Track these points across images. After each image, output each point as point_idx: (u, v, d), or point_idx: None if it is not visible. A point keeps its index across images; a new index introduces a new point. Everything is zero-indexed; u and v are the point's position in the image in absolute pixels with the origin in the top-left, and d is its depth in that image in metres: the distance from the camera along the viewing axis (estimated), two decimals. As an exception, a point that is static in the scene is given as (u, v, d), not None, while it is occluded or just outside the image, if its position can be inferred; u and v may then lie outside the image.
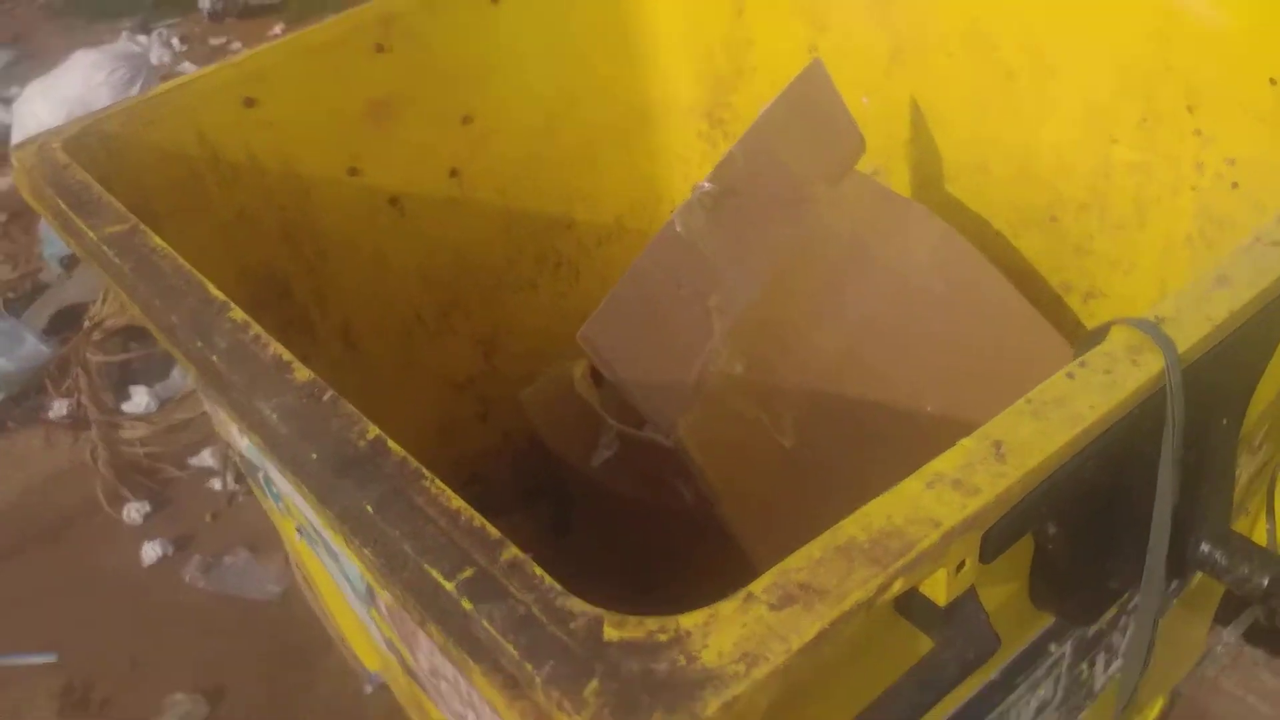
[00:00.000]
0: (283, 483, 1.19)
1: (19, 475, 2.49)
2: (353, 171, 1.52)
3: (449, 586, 0.61)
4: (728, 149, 1.18)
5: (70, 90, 3.73)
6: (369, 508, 0.67)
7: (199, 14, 5.54)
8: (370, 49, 1.52)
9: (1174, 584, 1.10)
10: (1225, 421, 0.82)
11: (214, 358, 0.85)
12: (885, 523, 0.61)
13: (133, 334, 2.61)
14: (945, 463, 0.64)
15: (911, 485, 0.63)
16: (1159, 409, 0.71)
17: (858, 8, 1.52)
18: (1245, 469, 1.04)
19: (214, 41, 5.19)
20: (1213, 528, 0.84)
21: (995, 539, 0.65)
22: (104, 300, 2.60)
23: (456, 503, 0.66)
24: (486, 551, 0.62)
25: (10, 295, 2.99)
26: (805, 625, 0.55)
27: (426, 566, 0.62)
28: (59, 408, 2.60)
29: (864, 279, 1.24)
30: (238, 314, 0.89)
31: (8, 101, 4.38)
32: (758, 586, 0.57)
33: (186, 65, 4.78)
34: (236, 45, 5.10)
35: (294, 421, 0.76)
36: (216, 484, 2.52)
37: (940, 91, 1.46)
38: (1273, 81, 1.07)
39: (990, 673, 0.87)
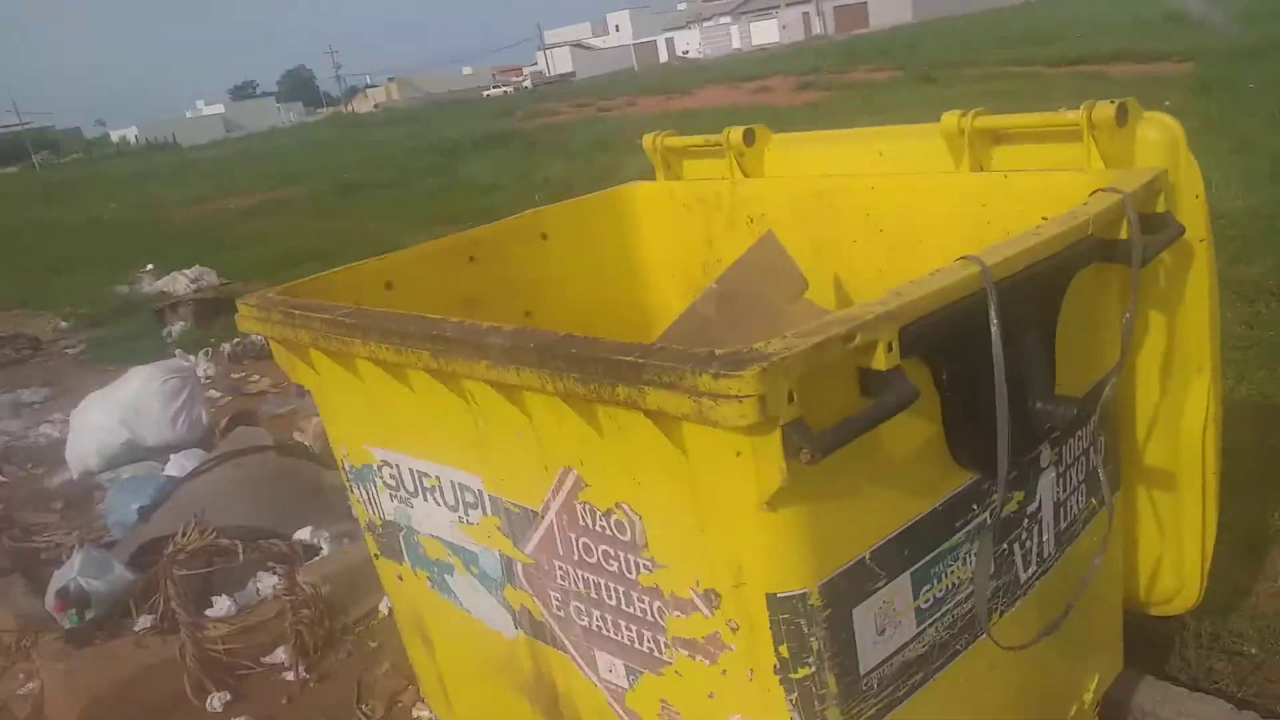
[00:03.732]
0: (431, 517, 1.69)
1: (114, 670, 2.79)
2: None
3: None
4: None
5: (125, 397, 4.29)
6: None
7: (220, 354, 6.34)
8: (465, 260, 2.21)
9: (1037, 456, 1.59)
10: (1036, 333, 1.43)
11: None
12: (845, 313, 1.19)
13: (215, 552, 3.03)
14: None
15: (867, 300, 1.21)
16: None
17: (793, 228, 2.25)
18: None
19: (234, 375, 5.93)
20: (1040, 391, 1.41)
21: (907, 336, 1.21)
22: (185, 532, 3.04)
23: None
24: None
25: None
26: (809, 341, 1.11)
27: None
28: (143, 622, 2.95)
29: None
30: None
31: (47, 424, 4.99)
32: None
33: (212, 392, 5.44)
34: (256, 378, 5.85)
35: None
36: (289, 675, 2.86)
37: (849, 266, 2.18)
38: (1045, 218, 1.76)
39: (934, 502, 1.37)
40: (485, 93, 70.84)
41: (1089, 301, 1.63)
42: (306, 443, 4.08)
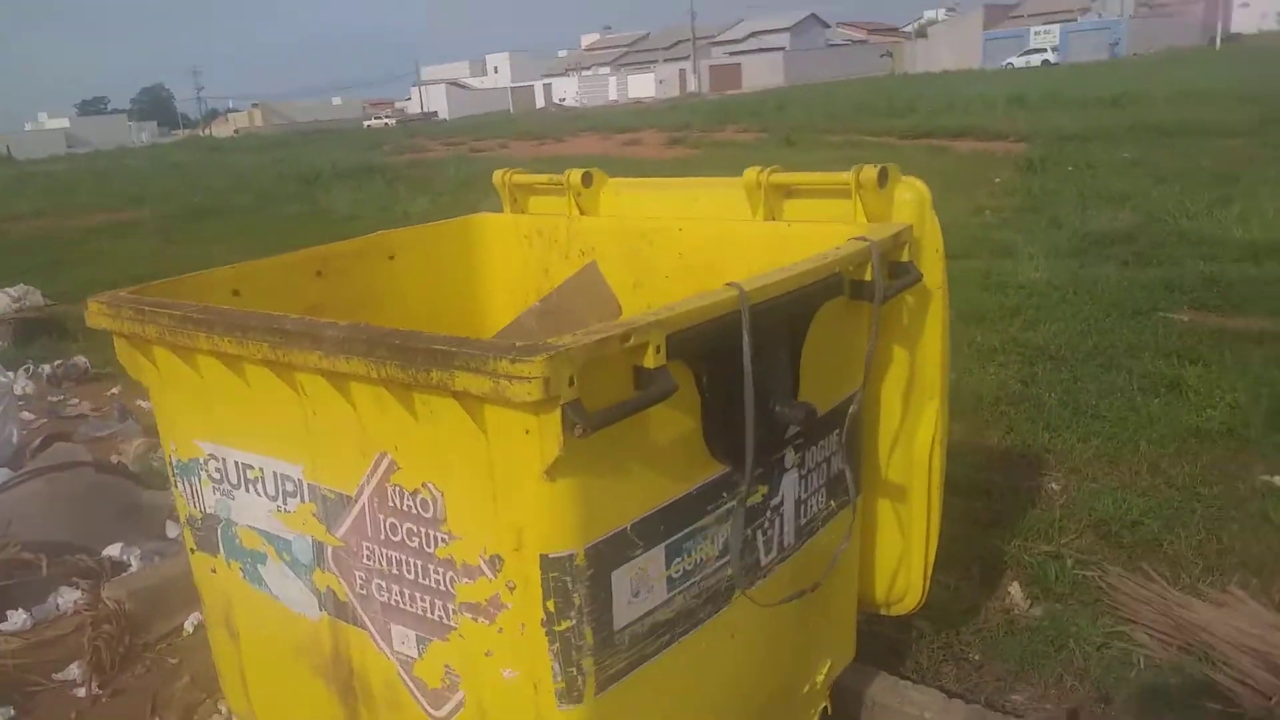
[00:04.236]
0: (250, 508, 1.87)
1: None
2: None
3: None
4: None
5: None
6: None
7: (39, 375, 6.19)
8: (313, 274, 2.40)
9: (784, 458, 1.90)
10: (784, 351, 1.74)
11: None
12: (626, 319, 1.46)
13: (16, 565, 3.05)
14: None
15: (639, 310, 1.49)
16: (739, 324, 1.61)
17: (618, 262, 2.54)
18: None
19: (53, 398, 5.82)
20: (781, 398, 1.72)
21: (673, 342, 1.49)
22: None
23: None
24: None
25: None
26: (592, 338, 1.38)
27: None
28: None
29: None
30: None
31: None
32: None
33: (26, 414, 5.34)
34: (75, 401, 5.76)
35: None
36: (81, 691, 2.90)
37: (662, 298, 2.47)
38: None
39: (690, 487, 1.65)
40: (367, 123, 70.07)
41: (840, 331, 1.96)
42: (126, 463, 4.09)
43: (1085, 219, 9.15)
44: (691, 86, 73.47)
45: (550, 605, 1.51)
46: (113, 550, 3.31)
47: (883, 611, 2.48)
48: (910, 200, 2.13)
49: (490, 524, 1.53)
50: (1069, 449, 4.13)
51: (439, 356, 1.41)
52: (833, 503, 2.09)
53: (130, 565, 3.28)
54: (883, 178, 2.11)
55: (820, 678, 2.19)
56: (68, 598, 3.12)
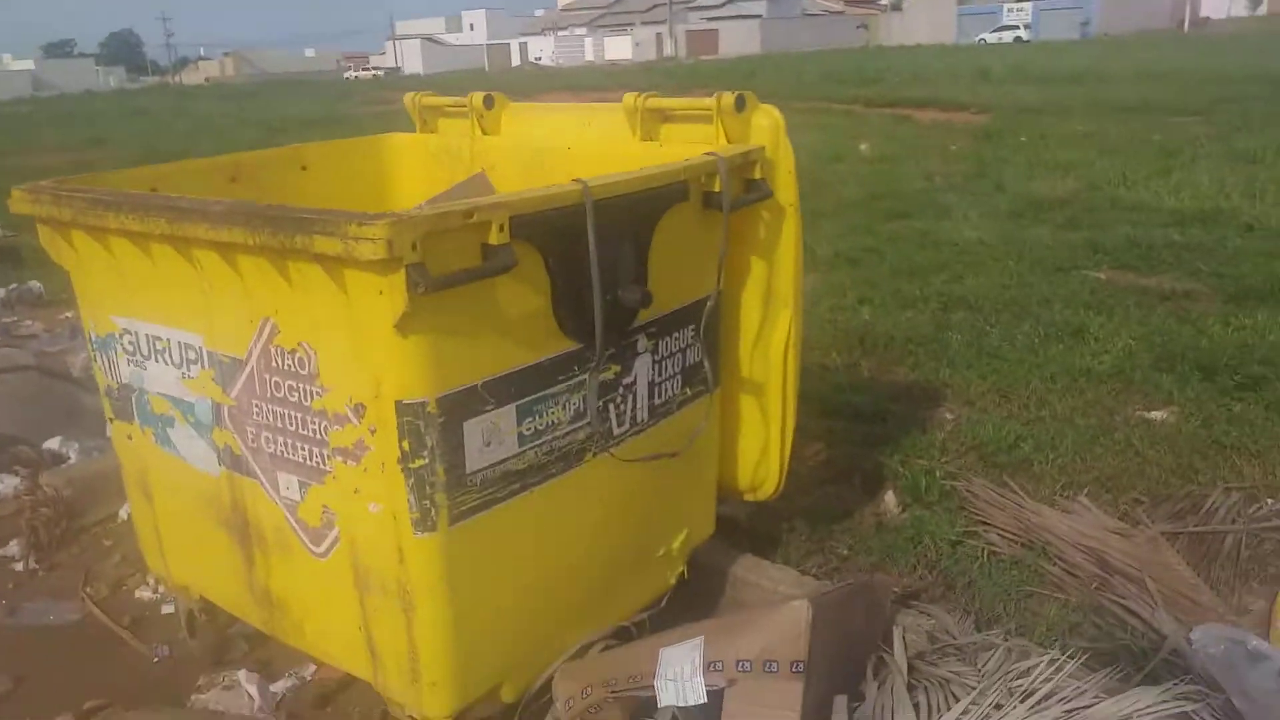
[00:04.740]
0: (160, 376, 2.09)
1: None
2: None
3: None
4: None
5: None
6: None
7: (-6, 297, 6.37)
8: (228, 179, 2.61)
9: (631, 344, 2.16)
10: (630, 245, 1.98)
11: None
12: (472, 202, 1.69)
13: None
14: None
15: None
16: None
17: (515, 179, 2.76)
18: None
19: (6, 319, 6.01)
20: (625, 286, 1.96)
21: (517, 223, 1.72)
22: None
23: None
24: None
25: None
26: (435, 211, 1.61)
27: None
28: None
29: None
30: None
31: None
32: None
33: (-16, 330, 5.53)
34: (29, 323, 5.95)
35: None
36: (19, 566, 3.14)
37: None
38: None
39: (541, 358, 1.89)
40: (348, 75, 69.00)
41: (695, 237, 2.20)
42: (72, 373, 4.30)
43: (1029, 185, 9.44)
44: (668, 50, 73.15)
45: (405, 445, 1.75)
46: (53, 444, 3.53)
47: (746, 497, 2.75)
48: (767, 126, 2.37)
49: (354, 376, 1.77)
50: (967, 384, 4.41)
51: (302, 223, 1.64)
52: (688, 390, 2.34)
53: (69, 458, 3.51)
54: (740, 104, 2.34)
55: (676, 545, 2.46)
56: (8, 484, 3.36)
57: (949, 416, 4.09)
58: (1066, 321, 5.22)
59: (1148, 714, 1.79)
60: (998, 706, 1.88)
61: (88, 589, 3.01)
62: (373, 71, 68.09)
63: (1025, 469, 3.55)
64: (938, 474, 3.45)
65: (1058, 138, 12.78)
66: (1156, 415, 4.02)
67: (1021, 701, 1.87)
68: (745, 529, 3.12)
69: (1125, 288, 5.96)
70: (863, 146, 12.69)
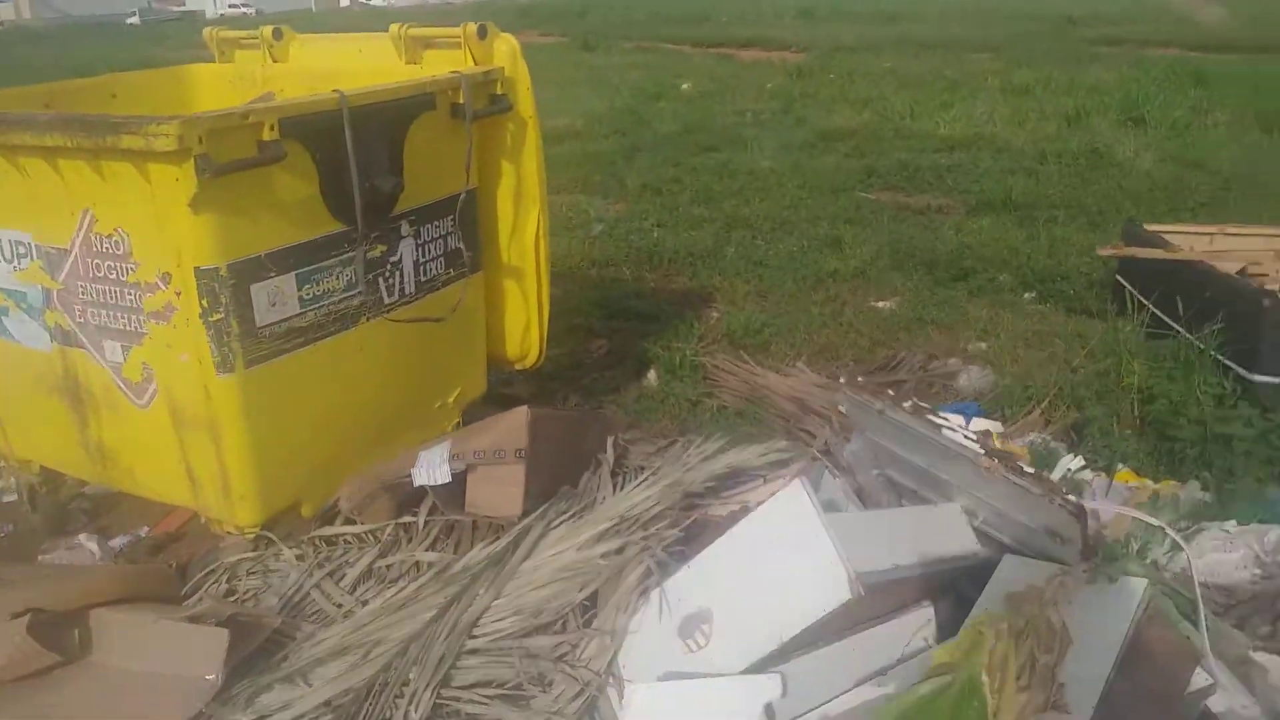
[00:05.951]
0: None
1: None
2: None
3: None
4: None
5: None
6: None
7: None
8: (42, 105, 3.01)
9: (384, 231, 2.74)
10: (384, 144, 2.54)
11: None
12: (247, 106, 2.22)
13: None
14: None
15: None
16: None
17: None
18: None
19: None
20: (380, 176, 2.53)
21: (285, 125, 2.26)
22: None
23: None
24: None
25: None
26: (217, 114, 2.13)
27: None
28: None
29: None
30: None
31: None
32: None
33: None
34: None
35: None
36: None
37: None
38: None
39: (314, 235, 2.44)
40: (222, 12, 63.57)
41: (447, 141, 2.77)
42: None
43: (828, 119, 10.33)
44: (508, -9, 72.19)
45: (204, 302, 2.29)
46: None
47: (516, 366, 3.38)
48: (506, 51, 2.95)
49: (161, 250, 2.29)
50: (734, 289, 5.15)
51: (113, 126, 2.14)
52: (451, 270, 2.93)
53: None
54: (482, 32, 2.92)
55: (451, 399, 3.07)
56: None
57: (715, 315, 4.82)
58: (827, 235, 6.04)
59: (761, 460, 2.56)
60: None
61: (-69, 479, 3.38)
62: (242, 9, 61.62)
63: (764, 349, 4.31)
64: (688, 354, 4.17)
65: (864, 75, 13.77)
66: (883, 304, 4.86)
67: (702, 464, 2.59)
68: (528, 400, 3.74)
69: (889, 205, 6.85)
70: (684, 85, 13.37)
